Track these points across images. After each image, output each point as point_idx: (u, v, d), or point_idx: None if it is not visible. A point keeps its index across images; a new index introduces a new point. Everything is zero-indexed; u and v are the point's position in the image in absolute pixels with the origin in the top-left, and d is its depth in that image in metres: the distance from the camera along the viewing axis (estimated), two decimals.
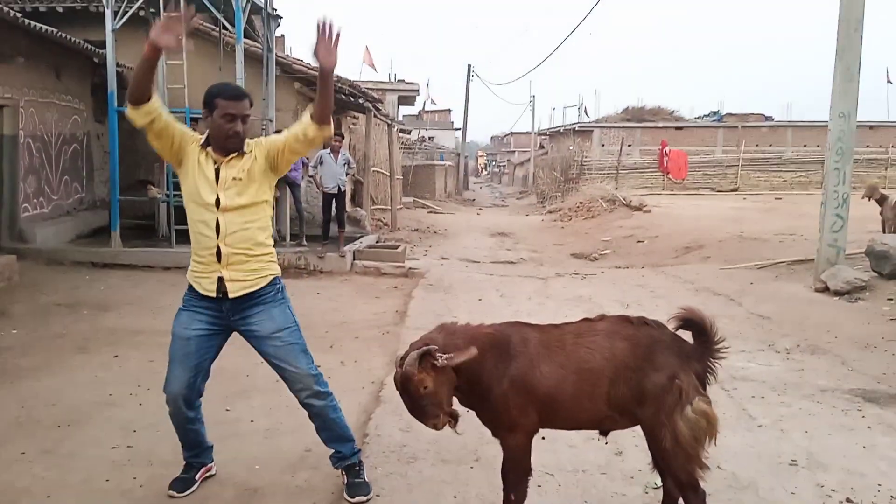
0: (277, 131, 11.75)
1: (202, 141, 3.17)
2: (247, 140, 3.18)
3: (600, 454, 3.99)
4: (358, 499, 3.33)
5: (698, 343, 2.83)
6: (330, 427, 3.43)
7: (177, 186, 10.22)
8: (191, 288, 3.31)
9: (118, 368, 5.46)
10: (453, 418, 2.80)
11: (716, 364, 2.82)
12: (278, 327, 3.24)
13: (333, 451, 3.50)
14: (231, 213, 3.13)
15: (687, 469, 2.75)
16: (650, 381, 2.70)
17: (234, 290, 3.19)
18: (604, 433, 2.99)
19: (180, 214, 10.26)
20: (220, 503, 3.40)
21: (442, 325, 2.93)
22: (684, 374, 2.72)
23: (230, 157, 3.14)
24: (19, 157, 10.05)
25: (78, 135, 11.93)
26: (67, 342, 6.13)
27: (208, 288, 3.21)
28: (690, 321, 2.84)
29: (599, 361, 2.73)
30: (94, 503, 3.35)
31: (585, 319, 2.93)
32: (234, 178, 3.13)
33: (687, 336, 2.90)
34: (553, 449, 4.01)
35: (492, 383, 2.76)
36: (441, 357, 2.65)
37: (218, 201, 3.12)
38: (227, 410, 4.58)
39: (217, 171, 3.13)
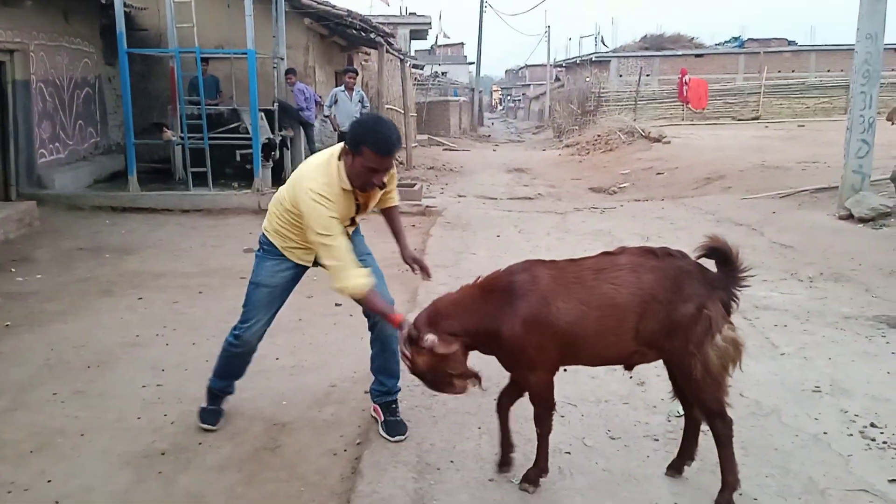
0: (290, 70, 11.62)
1: (346, 185, 3.06)
2: None
3: (623, 385, 4.02)
4: (398, 438, 3.36)
5: (723, 271, 2.79)
6: (388, 357, 3.46)
7: (191, 129, 10.27)
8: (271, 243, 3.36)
9: (143, 310, 5.53)
10: (475, 378, 2.84)
11: (740, 292, 2.78)
12: (361, 252, 3.30)
13: (376, 384, 3.53)
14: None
15: (717, 397, 2.75)
16: (679, 313, 2.67)
17: None
18: (629, 367, 2.97)
19: (196, 157, 10.28)
20: (250, 437, 3.47)
21: (434, 302, 2.92)
22: (712, 303, 2.69)
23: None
24: (33, 102, 10.00)
25: (89, 78, 11.83)
26: (92, 286, 6.20)
27: (306, 260, 3.33)
28: (716, 249, 2.79)
29: (626, 297, 2.68)
30: (128, 440, 3.43)
31: (605, 253, 2.87)
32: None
33: (710, 265, 2.86)
34: (575, 380, 4.04)
35: (501, 328, 2.73)
36: (426, 342, 2.70)
37: (352, 220, 3.28)
38: None
39: (358, 206, 3.22)
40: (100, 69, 12.18)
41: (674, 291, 2.69)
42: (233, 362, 3.52)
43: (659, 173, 14.43)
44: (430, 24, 29.58)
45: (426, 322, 2.80)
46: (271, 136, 10.91)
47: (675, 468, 3.08)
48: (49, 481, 3.08)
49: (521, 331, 2.70)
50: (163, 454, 3.31)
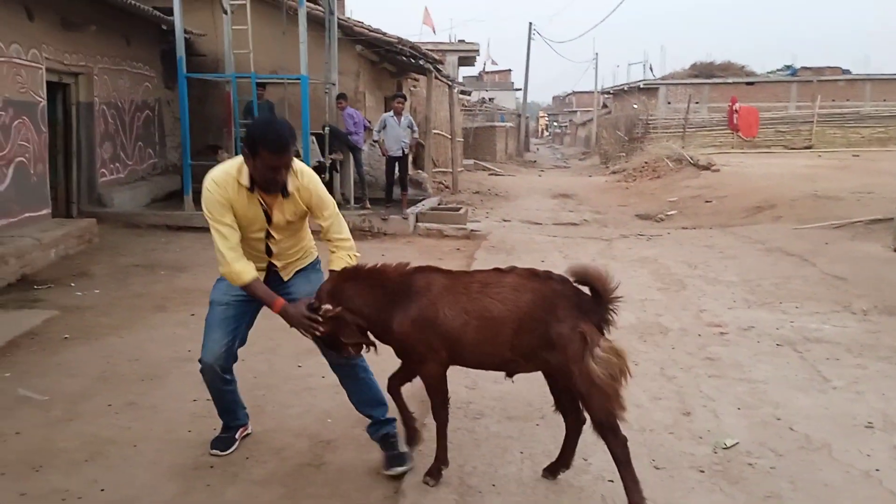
0: (341, 95, 11.87)
1: (244, 181, 3.12)
2: (290, 176, 3.13)
3: (667, 414, 3.98)
4: (396, 471, 3.27)
5: (595, 296, 2.92)
6: (359, 386, 3.44)
7: None
8: None
9: (195, 326, 5.65)
10: (366, 346, 3.17)
11: (613, 315, 2.93)
12: (313, 289, 3.24)
13: (369, 420, 3.46)
14: (282, 242, 3.32)
15: (606, 408, 2.82)
16: (554, 331, 2.86)
17: (285, 275, 3.42)
18: (509, 375, 3.18)
19: None
20: (294, 453, 3.53)
21: (338, 276, 3.15)
22: (584, 323, 2.84)
23: (275, 196, 3.15)
24: (95, 123, 10.41)
25: (149, 101, 12.27)
26: (146, 301, 6.39)
27: (258, 270, 3.33)
28: (584, 276, 2.92)
29: (503, 311, 2.90)
30: (177, 452, 3.52)
31: (496, 269, 3.07)
32: (288, 222, 3.24)
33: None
34: None
35: (391, 323, 3.00)
36: (321, 310, 3.00)
37: (269, 234, 3.26)
38: (299, 367, 4.72)
39: (267, 214, 3.20)
40: (159, 92, 12.62)
41: (548, 311, 2.88)
42: (213, 392, 3.47)
43: (707, 201, 14.26)
44: (478, 51, 29.88)
45: (329, 295, 3.05)
46: (321, 160, 11.13)
47: (551, 471, 3.23)
48: (102, 490, 3.18)
49: (409, 329, 2.97)
50: (211, 467, 3.38)
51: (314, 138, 10.90)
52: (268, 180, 3.07)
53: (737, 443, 3.59)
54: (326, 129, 11.38)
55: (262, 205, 3.17)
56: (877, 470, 3.35)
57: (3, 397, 4.20)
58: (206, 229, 9.19)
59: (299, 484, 3.25)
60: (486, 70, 48.84)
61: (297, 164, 3.16)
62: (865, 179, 14.47)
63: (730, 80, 31.02)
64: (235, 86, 10.58)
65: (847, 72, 33.00)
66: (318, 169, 10.85)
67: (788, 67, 33.81)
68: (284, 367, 4.74)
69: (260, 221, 3.21)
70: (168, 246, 8.94)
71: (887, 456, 3.49)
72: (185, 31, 10.70)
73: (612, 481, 3.23)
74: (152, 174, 12.32)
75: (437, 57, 16.43)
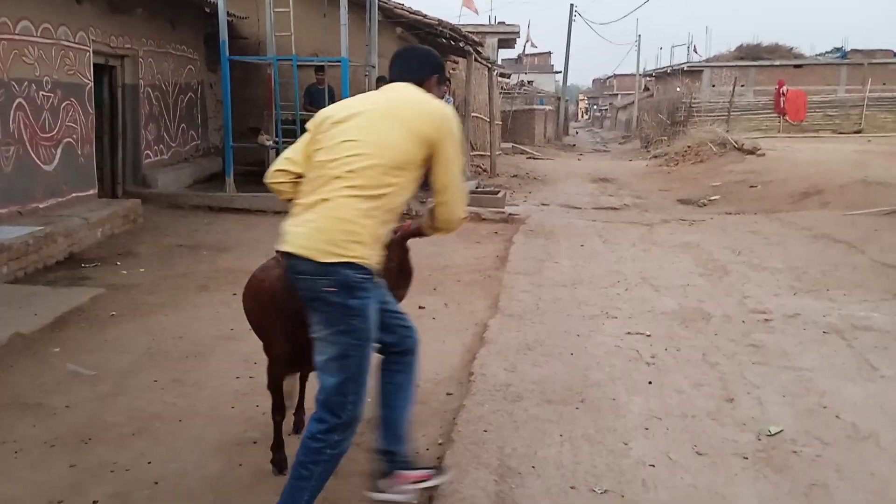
0: (380, 78, 11.88)
1: None
2: None
3: (709, 400, 3.92)
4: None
5: None
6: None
7: (286, 133, 10.65)
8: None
9: (237, 306, 5.69)
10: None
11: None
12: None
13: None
14: None
15: None
16: None
17: None
18: None
19: None
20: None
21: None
22: None
23: None
24: (140, 105, 10.58)
25: (192, 84, 12.43)
26: (190, 281, 6.50)
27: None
28: None
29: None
30: (221, 428, 3.59)
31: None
32: None
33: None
34: (660, 394, 3.98)
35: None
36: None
37: None
38: None
39: None
40: (202, 75, 12.77)
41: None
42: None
43: (752, 186, 13.95)
44: (518, 33, 29.53)
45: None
46: None
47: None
48: (149, 463, 3.26)
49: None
50: (254, 443, 3.44)
51: None
52: None
53: (781, 430, 3.53)
54: None
55: None
56: None
57: (53, 372, 4.32)
58: (248, 211, 9.33)
59: (343, 461, 3.27)
60: (526, 52, 48.37)
61: None
62: None
63: (777, 63, 30.26)
64: (277, 68, 10.64)
65: None
66: None
67: (838, 50, 32.87)
68: None
69: None
70: (210, 227, 9.07)
71: None
72: (228, 14, 10.78)
73: (653, 466, 3.21)
74: (195, 156, 12.49)
75: (476, 39, 16.31)
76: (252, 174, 11.90)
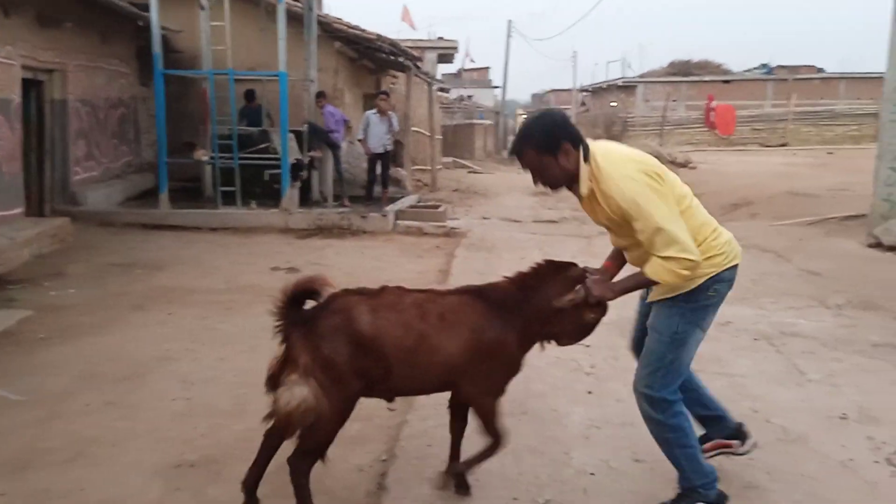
0: (320, 93, 11.83)
1: None
2: (586, 178, 2.83)
3: None
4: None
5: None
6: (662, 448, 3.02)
7: (222, 148, 10.52)
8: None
9: (174, 325, 5.63)
10: None
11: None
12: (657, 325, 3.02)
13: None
14: (626, 248, 3.19)
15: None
16: None
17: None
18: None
19: (225, 176, 10.48)
20: (278, 452, 3.51)
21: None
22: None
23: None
24: (69, 121, 10.27)
25: (125, 98, 12.13)
26: (124, 300, 6.32)
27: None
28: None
29: None
30: (159, 452, 3.50)
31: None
32: (610, 224, 3.02)
33: None
34: (601, 403, 4.05)
35: None
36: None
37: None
38: None
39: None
40: (135, 89, 12.48)
41: None
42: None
43: None
44: (456, 48, 29.84)
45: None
46: (300, 157, 11.08)
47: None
48: (82, 489, 3.15)
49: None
50: (192, 466, 3.36)
51: (292, 136, 10.85)
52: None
53: None
54: (306, 126, 11.34)
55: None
56: (851, 460, 3.42)
57: None
58: (184, 228, 9.15)
59: (282, 481, 3.23)
60: (465, 68, 48.87)
61: (602, 165, 2.78)
62: (841, 177, 14.70)
63: (707, 79, 31.35)
64: (213, 83, 10.50)
65: (822, 70, 33.49)
66: (297, 166, 10.81)
67: (764, 66, 34.24)
68: (265, 366, 4.69)
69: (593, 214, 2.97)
70: (144, 245, 8.85)
71: (862, 447, 3.56)
72: (162, 28, 10.59)
73: (593, 474, 3.27)
74: (127, 172, 12.18)
75: (416, 54, 16.41)
76: (187, 190, 11.71)
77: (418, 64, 16.64)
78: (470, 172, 24.08)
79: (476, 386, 2.84)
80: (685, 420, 2.93)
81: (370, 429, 3.76)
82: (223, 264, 7.87)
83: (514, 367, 2.91)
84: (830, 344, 5.21)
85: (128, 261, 7.93)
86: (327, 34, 12.80)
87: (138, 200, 11.54)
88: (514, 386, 3.05)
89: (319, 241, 9.31)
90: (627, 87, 32.10)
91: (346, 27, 12.90)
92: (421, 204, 12.97)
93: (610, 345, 5.15)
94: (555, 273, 2.99)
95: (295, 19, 11.66)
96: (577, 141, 2.82)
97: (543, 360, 4.78)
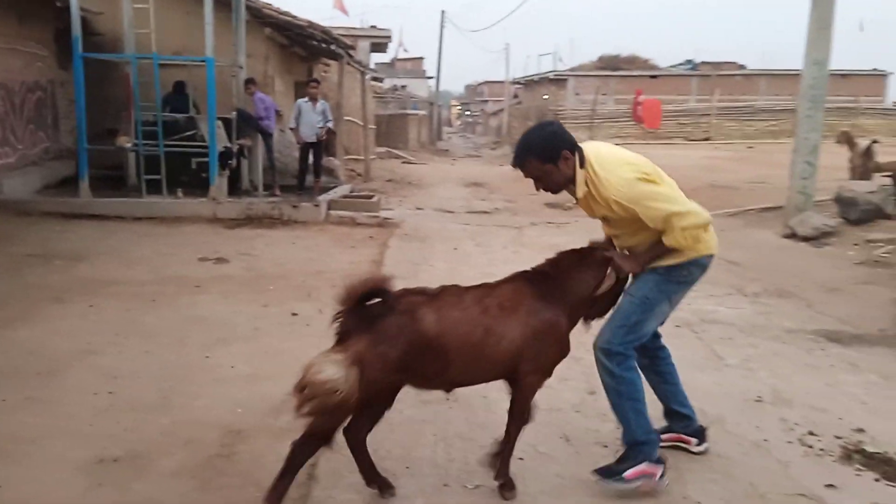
0: (249, 79, 11.59)
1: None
2: (583, 181, 3.06)
3: (575, 394, 4.13)
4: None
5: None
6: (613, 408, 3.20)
7: (146, 135, 10.20)
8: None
9: (95, 318, 5.45)
10: None
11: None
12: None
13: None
14: (619, 237, 3.36)
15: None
16: None
17: None
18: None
19: (150, 164, 10.16)
20: (204, 445, 3.46)
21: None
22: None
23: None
24: None
25: (42, 82, 11.61)
26: (43, 293, 6.08)
27: None
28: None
29: None
30: (81, 447, 3.39)
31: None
32: (605, 218, 3.25)
33: None
34: None
35: None
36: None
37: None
38: (207, 357, 4.62)
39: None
40: (53, 73, 11.95)
41: None
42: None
43: None
44: (390, 37, 29.67)
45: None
46: (228, 145, 10.84)
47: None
48: (0, 487, 3.04)
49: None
50: (116, 461, 3.28)
51: (220, 123, 10.60)
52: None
53: None
54: (235, 113, 11.10)
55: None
56: (765, 440, 3.60)
57: None
58: (106, 217, 8.91)
59: (210, 475, 3.20)
60: (399, 57, 48.65)
61: (599, 173, 3.00)
62: (760, 170, 15.32)
63: (635, 73, 32.07)
64: (136, 67, 10.16)
65: (744, 67, 34.69)
66: (226, 154, 10.58)
67: (689, 62, 35.25)
68: (192, 359, 4.62)
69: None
70: (64, 235, 8.51)
71: (775, 428, 3.74)
72: (82, 10, 10.17)
73: (522, 459, 3.34)
74: (45, 159, 11.67)
75: (348, 42, 16.25)
76: (110, 178, 11.31)
77: (351, 52, 16.48)
78: (404, 163, 24.05)
79: (532, 364, 2.95)
80: (637, 376, 3.18)
81: (300, 420, 3.74)
82: (148, 255, 7.64)
83: (565, 346, 3.04)
84: (747, 330, 5.45)
85: (46, 251, 7.62)
86: (257, 20, 12.54)
87: (58, 188, 11.09)
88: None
89: (249, 231, 9.15)
90: (559, 81, 32.55)
91: (276, 13, 12.65)
92: (354, 194, 12.89)
93: None
94: (581, 259, 3.17)
95: (223, 3, 11.37)
96: (574, 147, 3.05)
97: None
